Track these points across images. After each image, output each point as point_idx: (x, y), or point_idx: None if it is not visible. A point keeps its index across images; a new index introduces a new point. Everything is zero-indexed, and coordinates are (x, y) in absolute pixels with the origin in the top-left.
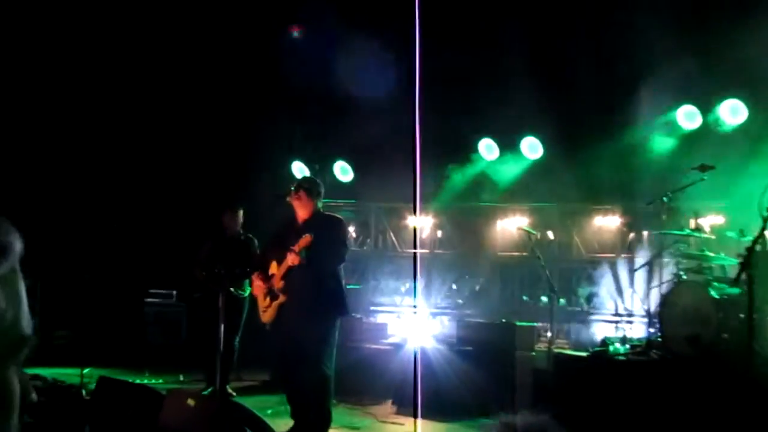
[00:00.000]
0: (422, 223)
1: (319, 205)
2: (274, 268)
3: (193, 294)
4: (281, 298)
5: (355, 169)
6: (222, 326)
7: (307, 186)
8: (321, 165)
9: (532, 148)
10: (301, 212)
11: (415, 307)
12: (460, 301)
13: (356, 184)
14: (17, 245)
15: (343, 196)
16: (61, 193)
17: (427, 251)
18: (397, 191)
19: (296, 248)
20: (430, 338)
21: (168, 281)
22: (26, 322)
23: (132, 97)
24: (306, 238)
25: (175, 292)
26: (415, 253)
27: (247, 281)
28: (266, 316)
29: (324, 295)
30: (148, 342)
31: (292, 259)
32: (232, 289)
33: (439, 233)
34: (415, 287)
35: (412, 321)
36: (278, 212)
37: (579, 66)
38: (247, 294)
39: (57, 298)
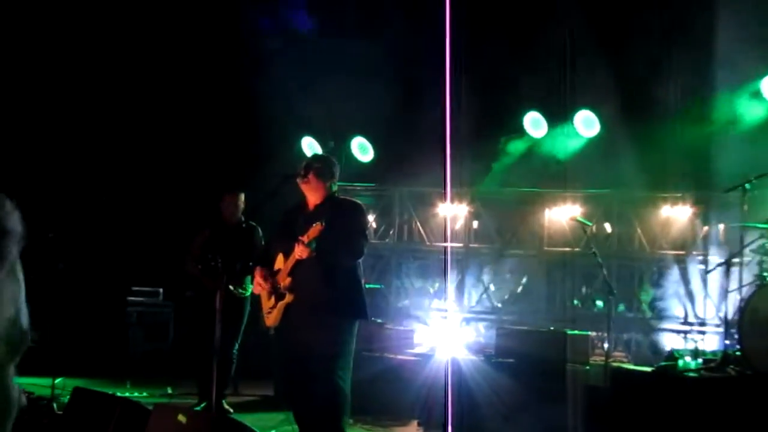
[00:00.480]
0: (455, 211)
1: (333, 188)
2: (280, 262)
3: (184, 292)
4: (287, 298)
5: (377, 147)
6: (219, 330)
7: (317, 165)
8: (336, 141)
9: (587, 123)
10: (312, 196)
11: (445, 311)
12: (499, 305)
13: (377, 165)
14: (19, 229)
15: (361, 179)
16: (31, 168)
17: (460, 245)
18: (425, 173)
19: (305, 238)
20: (463, 348)
21: (154, 277)
22: (25, 316)
23: (115, 70)
24: (316, 227)
25: (161, 290)
26: (446, 248)
27: (248, 278)
28: (270, 318)
29: (338, 295)
30: (131, 348)
31: (299, 252)
32: (231, 286)
33: (475, 224)
34: (446, 288)
35: (442, 327)
36: (286, 196)
37: (644, 28)
38: (248, 293)
39: (24, 293)
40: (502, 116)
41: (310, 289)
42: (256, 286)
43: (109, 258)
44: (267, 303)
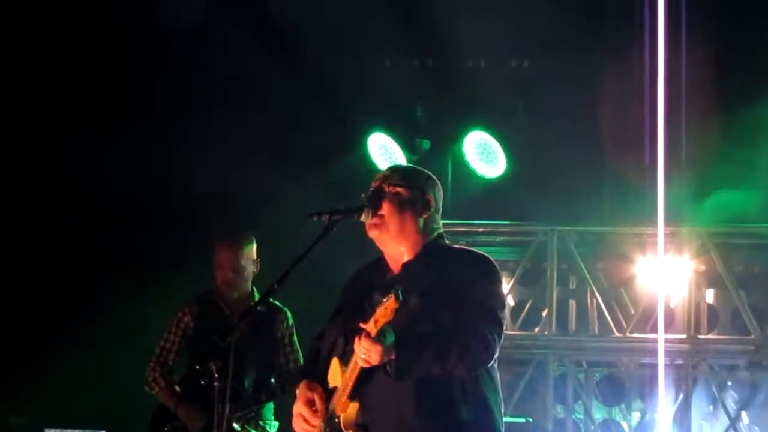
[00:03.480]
0: (671, 271)
1: (435, 228)
2: (336, 373)
3: None
4: None
5: (512, 152)
6: None
7: (398, 186)
8: (436, 141)
9: None
10: (392, 247)
11: None
12: None
13: (513, 183)
14: None
15: (483, 212)
16: None
17: (681, 337)
18: (608, 198)
19: (370, 326)
20: None
21: (89, 407)
22: None
23: None
24: (388, 304)
25: None
26: (656, 342)
27: (270, 406)
28: None
29: None
30: None
31: (361, 352)
32: (237, 425)
33: (710, 296)
34: (655, 420)
35: None
36: (345, 250)
37: None
38: None
39: None
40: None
41: (395, 423)
42: (296, 419)
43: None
44: None
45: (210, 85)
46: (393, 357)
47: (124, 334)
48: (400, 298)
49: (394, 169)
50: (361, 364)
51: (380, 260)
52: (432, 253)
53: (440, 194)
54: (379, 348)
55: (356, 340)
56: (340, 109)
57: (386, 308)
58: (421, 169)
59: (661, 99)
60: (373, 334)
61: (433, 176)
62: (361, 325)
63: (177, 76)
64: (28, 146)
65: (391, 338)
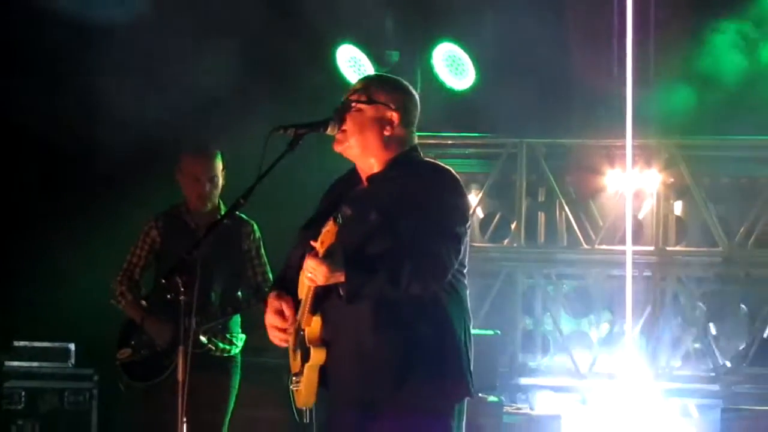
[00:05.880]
0: (640, 184)
1: (406, 140)
2: (303, 286)
3: (117, 351)
4: (315, 357)
5: (481, 64)
6: (184, 423)
7: (367, 101)
8: (405, 53)
9: None
10: (363, 160)
11: (623, 376)
12: (728, 363)
13: (483, 95)
14: None
15: (452, 124)
16: None
17: (650, 249)
18: (577, 111)
19: (319, 245)
20: None
21: (56, 321)
22: None
23: None
24: (329, 228)
25: (72, 347)
26: (625, 254)
27: (236, 319)
28: (300, 395)
29: (410, 353)
30: None
31: (309, 270)
32: (203, 337)
33: (678, 208)
34: (623, 331)
35: (614, 408)
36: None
37: None
38: (238, 349)
39: None
40: None
41: (353, 339)
42: (270, 330)
43: None
44: (294, 362)
45: None
46: (343, 280)
47: (92, 249)
48: (339, 222)
49: (364, 82)
50: (307, 283)
51: (354, 170)
52: (399, 166)
53: (413, 106)
54: (323, 269)
55: (306, 258)
56: (308, 21)
57: (328, 231)
58: (394, 80)
59: (629, 9)
60: (320, 254)
61: (406, 87)
62: (312, 242)
63: None
64: None
65: (339, 260)
